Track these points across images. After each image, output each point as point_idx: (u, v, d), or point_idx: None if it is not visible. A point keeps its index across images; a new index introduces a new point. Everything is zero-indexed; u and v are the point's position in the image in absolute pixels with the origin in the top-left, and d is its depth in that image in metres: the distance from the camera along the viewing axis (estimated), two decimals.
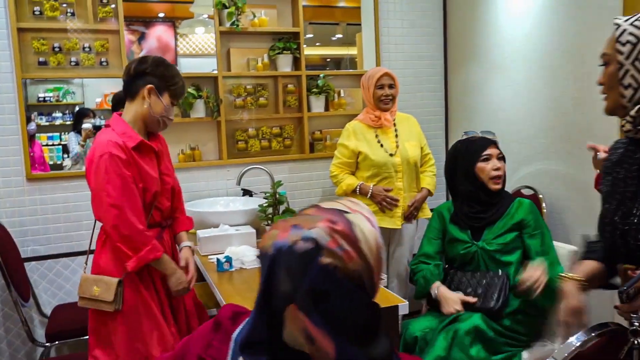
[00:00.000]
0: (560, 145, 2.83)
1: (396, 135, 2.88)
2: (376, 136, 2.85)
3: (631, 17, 1.22)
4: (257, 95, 3.40)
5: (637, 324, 1.11)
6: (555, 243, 2.19)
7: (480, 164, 2.21)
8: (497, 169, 2.20)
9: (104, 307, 1.84)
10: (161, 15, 3.32)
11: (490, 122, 3.32)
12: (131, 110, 1.93)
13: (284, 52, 3.39)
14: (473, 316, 2.04)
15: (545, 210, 2.82)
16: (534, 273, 1.95)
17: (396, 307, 1.81)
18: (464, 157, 2.27)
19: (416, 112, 3.21)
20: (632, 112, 1.20)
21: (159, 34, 3.31)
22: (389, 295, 1.95)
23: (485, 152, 2.21)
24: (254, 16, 3.32)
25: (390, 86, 2.84)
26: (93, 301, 1.85)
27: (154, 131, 2.00)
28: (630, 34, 1.18)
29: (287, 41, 3.40)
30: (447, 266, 2.34)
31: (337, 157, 2.90)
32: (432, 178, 2.97)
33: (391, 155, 2.81)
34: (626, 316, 1.14)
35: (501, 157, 2.26)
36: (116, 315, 1.86)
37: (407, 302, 1.88)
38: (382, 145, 2.82)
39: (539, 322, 2.16)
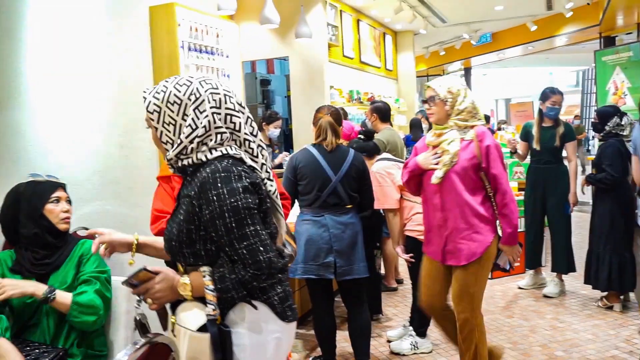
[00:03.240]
0: (110, 187, 3.03)
1: None
2: None
3: (152, 89, 1.50)
4: None
5: (136, 304, 1.51)
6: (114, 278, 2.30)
7: (49, 206, 2.19)
8: (67, 211, 2.24)
9: None
10: None
11: (41, 165, 3.22)
12: None
13: None
14: None
15: None
16: None
17: None
18: (30, 200, 2.19)
19: None
20: (166, 162, 1.52)
21: None
22: None
23: (54, 195, 2.22)
24: None
25: None
26: None
27: None
28: (154, 104, 1.47)
29: None
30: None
31: None
32: None
33: None
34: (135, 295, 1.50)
35: (69, 200, 2.30)
36: None
37: None
38: None
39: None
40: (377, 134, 4.52)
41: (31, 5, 3.23)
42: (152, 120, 1.48)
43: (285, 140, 6.65)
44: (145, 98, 1.49)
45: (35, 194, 2.21)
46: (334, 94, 6.35)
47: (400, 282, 5.08)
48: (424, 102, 2.72)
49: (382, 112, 4.80)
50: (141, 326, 1.56)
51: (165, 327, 1.55)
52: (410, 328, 3.55)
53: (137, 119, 2.94)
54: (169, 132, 1.47)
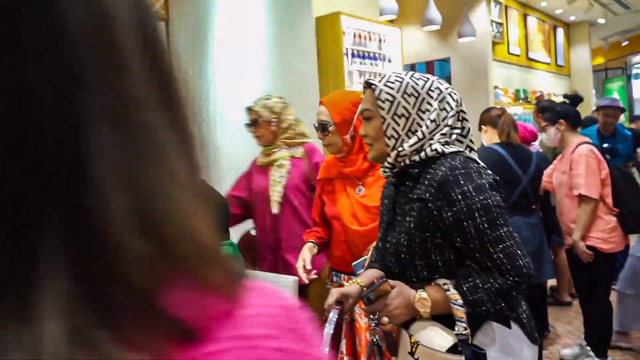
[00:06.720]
0: None
1: None
2: None
3: (382, 78, 1.37)
4: None
5: (373, 324, 1.31)
6: (276, 275, 2.41)
7: None
8: None
9: None
10: None
11: (216, 160, 3.57)
12: None
13: None
14: None
15: None
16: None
17: None
18: None
19: None
20: (390, 160, 1.35)
21: None
22: None
23: None
24: None
25: None
26: None
27: None
28: (387, 93, 1.33)
29: None
30: None
31: None
32: None
33: None
34: (368, 316, 1.36)
35: None
36: None
37: None
38: None
39: None
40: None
41: (218, 15, 3.58)
42: (382, 109, 1.33)
43: None
44: (374, 86, 1.35)
45: None
46: (499, 94, 6.04)
47: (574, 296, 4.63)
48: (247, 125, 2.47)
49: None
50: (391, 346, 1.35)
51: (394, 353, 1.34)
52: (588, 348, 3.21)
53: (305, 122, 3.10)
54: (398, 125, 1.32)
